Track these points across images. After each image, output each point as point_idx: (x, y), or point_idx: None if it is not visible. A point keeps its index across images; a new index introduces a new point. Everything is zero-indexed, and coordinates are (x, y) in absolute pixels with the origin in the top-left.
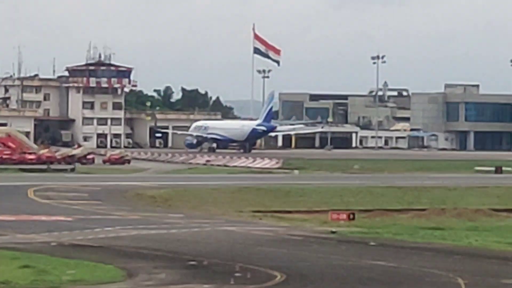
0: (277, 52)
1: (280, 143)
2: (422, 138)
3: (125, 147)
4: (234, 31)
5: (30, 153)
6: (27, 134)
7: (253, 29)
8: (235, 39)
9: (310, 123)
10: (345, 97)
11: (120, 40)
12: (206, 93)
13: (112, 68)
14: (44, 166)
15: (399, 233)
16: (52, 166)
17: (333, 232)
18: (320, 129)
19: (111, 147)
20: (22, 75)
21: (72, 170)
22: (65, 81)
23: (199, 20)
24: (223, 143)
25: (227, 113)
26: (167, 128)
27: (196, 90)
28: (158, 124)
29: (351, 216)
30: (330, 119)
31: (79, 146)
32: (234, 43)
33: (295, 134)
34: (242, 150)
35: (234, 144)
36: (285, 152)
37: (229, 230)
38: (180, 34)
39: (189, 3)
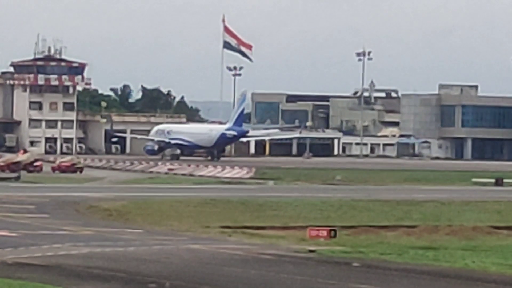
0: (249, 47)
1: (252, 149)
2: (413, 145)
3: (77, 153)
4: (202, 23)
5: None
6: None
7: (223, 21)
8: (202, 32)
9: (287, 127)
10: (326, 98)
11: (73, 32)
12: (169, 92)
13: (63, 63)
14: None
15: (386, 252)
16: None
17: (311, 251)
18: (297, 135)
19: (62, 153)
20: None
21: (17, 178)
22: (10, 78)
23: (162, 10)
24: (188, 149)
25: (193, 115)
26: (124, 132)
27: (158, 89)
28: (115, 127)
29: (332, 233)
30: (309, 123)
31: (25, 151)
32: (201, 37)
33: (270, 140)
34: (209, 158)
35: (201, 150)
36: (258, 160)
37: (194, 248)
38: (140, 25)
39: None
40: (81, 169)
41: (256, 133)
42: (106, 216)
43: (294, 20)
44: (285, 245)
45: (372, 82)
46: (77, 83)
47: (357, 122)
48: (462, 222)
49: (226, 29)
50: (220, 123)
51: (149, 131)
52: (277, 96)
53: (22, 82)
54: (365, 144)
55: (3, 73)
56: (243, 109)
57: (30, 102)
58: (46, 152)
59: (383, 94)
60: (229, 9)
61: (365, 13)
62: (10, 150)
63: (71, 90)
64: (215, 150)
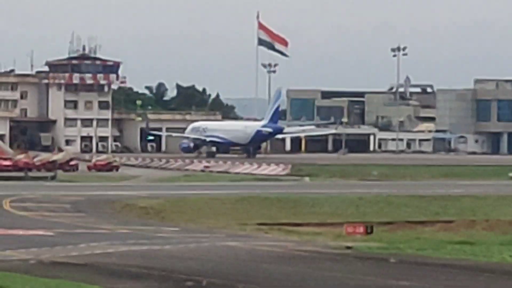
0: (285, 43)
1: (288, 146)
2: (449, 140)
3: (112, 151)
4: (236, 20)
5: (5, 159)
6: (1, 137)
7: (258, 17)
8: (237, 29)
9: (322, 124)
10: (362, 94)
11: (107, 30)
12: (204, 90)
13: (98, 62)
14: (21, 174)
15: (423, 248)
16: (30, 174)
17: (348, 248)
18: (333, 131)
19: (97, 151)
20: None
21: (53, 178)
22: (45, 77)
23: (196, 8)
24: (224, 146)
25: (228, 112)
26: (160, 130)
27: (193, 87)
28: (150, 125)
29: (369, 229)
30: (344, 119)
31: (61, 150)
32: (236, 34)
33: (305, 136)
34: (245, 155)
35: (236, 148)
36: (294, 156)
37: (230, 246)
38: (174, 23)
39: None
40: (116, 168)
41: (291, 130)
42: (142, 214)
43: (329, 16)
44: (322, 242)
45: (407, 77)
46: (112, 82)
47: (392, 117)
48: (499, 216)
49: (261, 26)
50: (256, 120)
51: (184, 129)
52: (312, 92)
53: (57, 81)
54: (401, 140)
55: (38, 72)
56: (279, 106)
57: (66, 101)
58: (82, 151)
59: (418, 90)
60: (264, 5)
61: (400, 7)
62: (46, 149)
63: (106, 88)
64: (251, 147)
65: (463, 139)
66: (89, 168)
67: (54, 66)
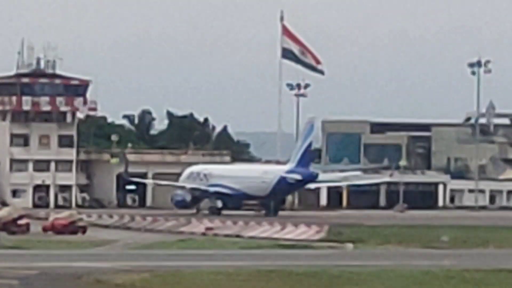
0: (317, 59)
1: (324, 200)
2: None
3: (78, 206)
4: (251, 23)
5: None
6: None
7: (282, 19)
8: (252, 36)
9: (372, 168)
10: (427, 127)
11: (72, 36)
12: (207, 120)
13: (58, 80)
14: None
15: None
16: None
17: None
18: (387, 179)
19: (56, 206)
20: None
21: None
22: None
23: (195, 7)
24: (234, 200)
25: (240, 152)
26: (144, 176)
27: (191, 116)
28: (131, 170)
29: None
30: (403, 162)
31: (5, 205)
32: (250, 42)
33: (348, 186)
34: (264, 212)
35: (252, 202)
36: (332, 214)
37: None
38: (164, 28)
39: None
40: (83, 229)
41: (328, 177)
42: None
43: (381, 20)
44: None
45: (491, 103)
46: (78, 108)
47: (470, 160)
48: None
49: (286, 32)
50: (278, 163)
51: (179, 175)
52: (357, 124)
53: (1, 108)
54: (482, 191)
55: None
56: (311, 143)
57: (12, 135)
58: (35, 205)
59: (506, 121)
60: (290, 5)
61: (481, 7)
62: None
63: (69, 118)
64: (272, 201)
65: None
66: (45, 229)
67: None
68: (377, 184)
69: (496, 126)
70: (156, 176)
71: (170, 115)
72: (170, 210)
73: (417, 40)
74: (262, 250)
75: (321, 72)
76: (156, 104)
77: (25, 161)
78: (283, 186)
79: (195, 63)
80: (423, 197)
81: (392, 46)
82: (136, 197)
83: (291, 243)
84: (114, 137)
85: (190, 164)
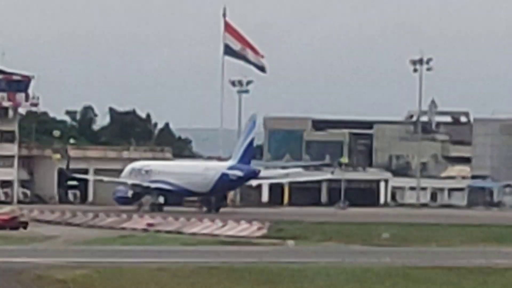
0: (259, 53)
1: (265, 197)
2: (490, 190)
3: (19, 202)
4: (193, 19)
5: None
6: None
7: (224, 15)
8: (194, 32)
9: (314, 165)
10: (369, 124)
11: (13, 30)
12: (149, 117)
13: (0, 76)
14: None
15: None
16: None
17: None
18: (329, 176)
19: None
20: None
21: None
22: None
23: (138, 4)
24: (175, 196)
25: (181, 148)
26: (86, 172)
27: (133, 113)
28: (72, 166)
29: None
30: (344, 160)
31: None
32: (193, 39)
33: (290, 183)
34: (205, 208)
35: (193, 198)
36: (273, 211)
37: None
38: (107, 22)
39: None
40: (24, 224)
41: (270, 174)
42: None
43: (323, 17)
44: None
45: (433, 101)
46: (20, 104)
47: (412, 157)
48: None
49: (229, 28)
50: (220, 159)
51: (120, 171)
52: (299, 121)
53: None
54: (424, 189)
55: None
56: (253, 140)
57: None
58: None
59: (448, 119)
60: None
61: (423, 6)
62: None
63: (10, 113)
64: (213, 198)
65: (510, 189)
66: None
67: None
68: (319, 181)
69: (438, 123)
70: (97, 172)
71: (112, 111)
72: (111, 206)
73: (359, 37)
74: (203, 246)
75: (263, 70)
76: (98, 100)
77: None
78: (224, 183)
79: (138, 59)
80: (365, 195)
81: (334, 43)
82: (78, 193)
83: (233, 239)
84: (56, 133)
85: (132, 160)
